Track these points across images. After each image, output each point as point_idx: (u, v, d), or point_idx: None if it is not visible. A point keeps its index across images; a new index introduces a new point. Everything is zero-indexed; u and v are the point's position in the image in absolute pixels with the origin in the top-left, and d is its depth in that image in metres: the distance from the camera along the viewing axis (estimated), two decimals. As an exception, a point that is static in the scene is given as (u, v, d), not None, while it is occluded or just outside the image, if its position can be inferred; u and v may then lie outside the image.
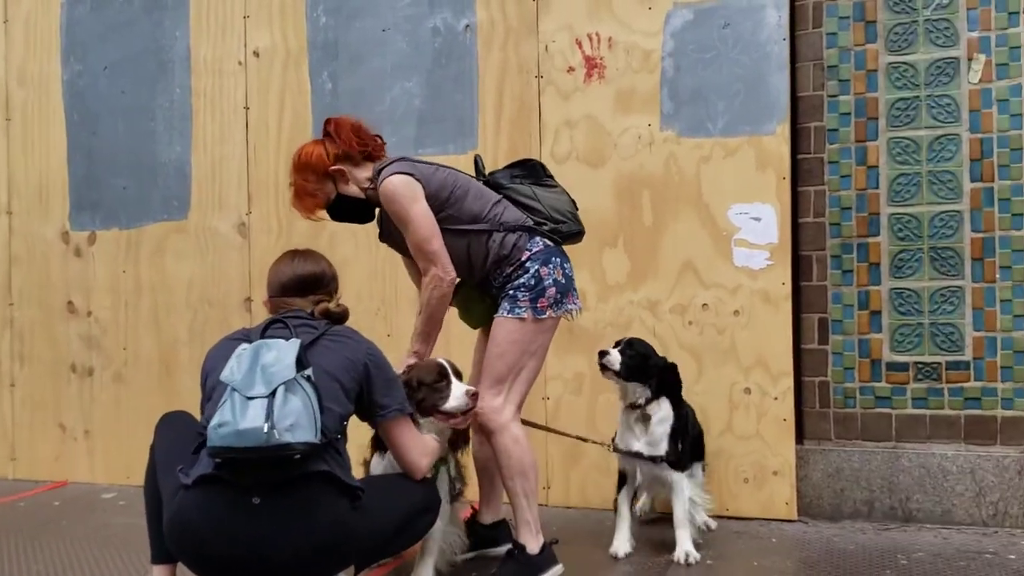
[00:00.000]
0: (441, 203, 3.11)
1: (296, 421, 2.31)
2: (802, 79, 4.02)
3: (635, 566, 3.43)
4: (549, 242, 3.21)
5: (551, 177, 3.37)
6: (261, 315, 4.56)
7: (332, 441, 2.46)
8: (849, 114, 3.96)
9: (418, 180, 3.07)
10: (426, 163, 3.20)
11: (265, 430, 2.26)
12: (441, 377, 2.96)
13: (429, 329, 3.15)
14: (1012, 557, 3.45)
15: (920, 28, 3.87)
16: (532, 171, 3.35)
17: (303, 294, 2.76)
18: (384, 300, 4.50)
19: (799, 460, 3.99)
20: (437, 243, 3.06)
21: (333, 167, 3.13)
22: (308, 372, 2.42)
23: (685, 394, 4.06)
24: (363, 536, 2.48)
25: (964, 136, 3.82)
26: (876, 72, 3.92)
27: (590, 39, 4.19)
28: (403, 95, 4.47)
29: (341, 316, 2.74)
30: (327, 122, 3.21)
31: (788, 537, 3.79)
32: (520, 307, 3.13)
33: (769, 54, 3.96)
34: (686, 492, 3.44)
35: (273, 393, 2.32)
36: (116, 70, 4.97)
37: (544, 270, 3.14)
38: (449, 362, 3.03)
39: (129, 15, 4.95)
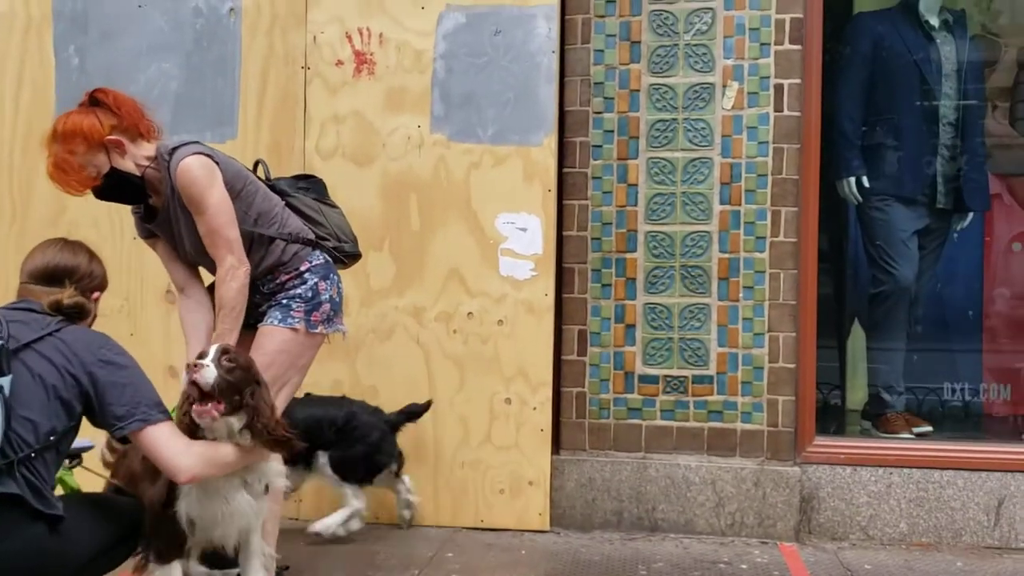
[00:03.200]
0: (235, 194, 2.92)
1: None
2: (570, 93, 4.06)
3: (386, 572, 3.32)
4: (329, 258, 3.11)
5: (331, 199, 3.28)
6: (-16, 308, 4.12)
7: (27, 458, 2.19)
8: (612, 132, 4.03)
9: (216, 163, 2.88)
10: (218, 151, 3.00)
11: None
12: None
13: (230, 326, 2.90)
14: (744, 567, 3.59)
15: (680, 52, 3.99)
16: (316, 187, 3.25)
17: (47, 284, 2.48)
18: (128, 296, 4.16)
19: (554, 470, 4.02)
20: (235, 231, 2.88)
21: (110, 137, 2.84)
22: (1, 382, 2.14)
23: (447, 404, 4.02)
24: (57, 565, 2.22)
25: (716, 160, 3.97)
26: (639, 92, 4.01)
27: (360, 34, 4.05)
28: (159, 76, 4.16)
29: (72, 311, 2.43)
30: (101, 91, 2.90)
31: (538, 548, 3.79)
32: (293, 318, 2.99)
33: (539, 65, 3.97)
34: None
35: None
36: None
37: (323, 284, 3.04)
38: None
39: None
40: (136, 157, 2.92)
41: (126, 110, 2.90)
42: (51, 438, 2.27)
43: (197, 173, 2.85)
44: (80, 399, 2.33)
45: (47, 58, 4.24)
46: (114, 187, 2.94)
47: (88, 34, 4.21)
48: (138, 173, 2.92)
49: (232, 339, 2.90)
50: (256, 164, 3.22)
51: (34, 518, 2.19)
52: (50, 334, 2.34)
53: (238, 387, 2.57)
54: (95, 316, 2.61)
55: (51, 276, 2.51)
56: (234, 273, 2.88)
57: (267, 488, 2.76)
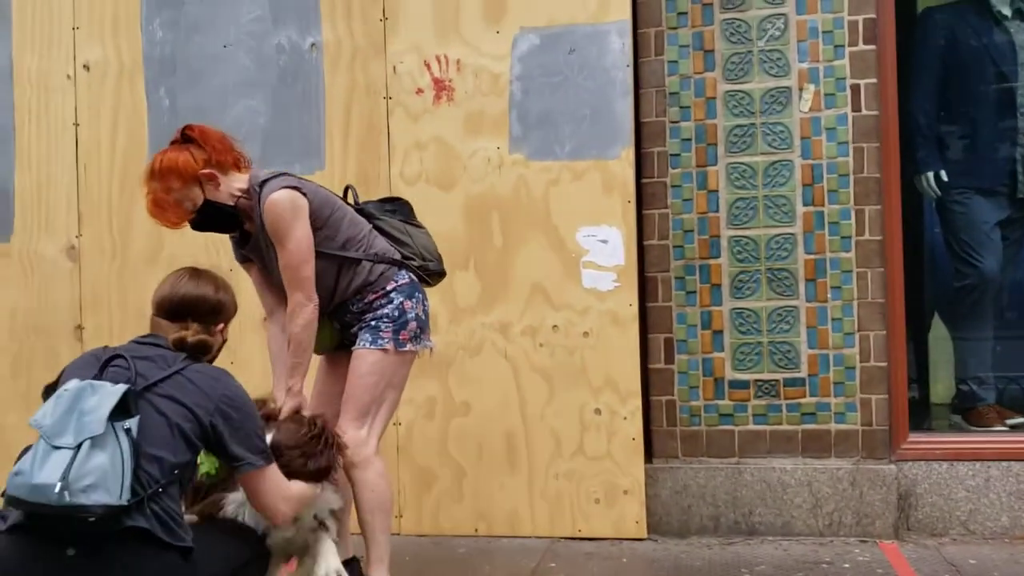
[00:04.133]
0: (323, 221, 3.03)
1: (96, 481, 2.15)
2: (645, 105, 4.12)
3: (487, 593, 3.40)
4: (415, 277, 3.19)
5: (417, 219, 3.36)
6: (91, 345, 4.30)
7: (153, 495, 2.29)
8: (690, 140, 4.08)
9: (304, 194, 2.98)
10: (306, 181, 3.11)
11: (58, 489, 2.11)
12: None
13: (300, 359, 3.02)
14: (846, 566, 3.60)
15: (755, 58, 4.03)
16: (402, 209, 3.34)
17: (173, 319, 2.58)
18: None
19: (648, 478, 4.06)
20: (310, 269, 2.98)
21: (204, 171, 2.97)
22: (129, 424, 2.25)
23: (538, 417, 4.09)
24: None
25: (796, 162, 4.00)
26: (715, 99, 4.06)
27: (439, 61, 4.17)
28: (246, 113, 4.32)
29: (196, 348, 2.53)
30: (189, 128, 3.04)
31: (638, 556, 3.84)
32: (383, 338, 3.07)
33: (614, 80, 4.04)
34: None
35: (80, 446, 2.16)
36: (-71, 82, 4.61)
37: (408, 303, 3.12)
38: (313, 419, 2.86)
39: (-56, 23, 4.61)
40: (230, 188, 3.04)
41: (212, 144, 3.02)
42: (175, 472, 2.37)
43: (283, 208, 2.94)
44: (201, 438, 2.43)
45: (139, 101, 4.43)
46: (209, 218, 3.07)
47: (177, 76, 4.40)
48: (232, 203, 3.05)
49: (302, 371, 3.02)
50: (346, 190, 3.34)
51: (164, 549, 2.29)
52: (177, 372, 2.43)
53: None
54: (224, 341, 2.72)
55: (176, 310, 2.60)
56: (301, 310, 2.98)
57: (319, 521, 2.84)
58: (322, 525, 2.85)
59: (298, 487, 2.66)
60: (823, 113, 3.97)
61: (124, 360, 2.44)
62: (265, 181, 3.02)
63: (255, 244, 3.12)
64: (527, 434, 4.10)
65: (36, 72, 4.51)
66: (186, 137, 3.03)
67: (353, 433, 3.04)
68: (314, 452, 2.76)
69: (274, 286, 3.18)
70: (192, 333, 2.54)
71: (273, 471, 2.57)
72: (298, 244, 2.96)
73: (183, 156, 2.98)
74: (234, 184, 3.05)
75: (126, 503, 2.19)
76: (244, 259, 3.25)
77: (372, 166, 4.21)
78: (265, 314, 3.32)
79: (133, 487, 2.22)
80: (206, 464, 2.71)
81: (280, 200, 2.95)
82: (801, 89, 3.98)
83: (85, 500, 2.13)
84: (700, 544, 3.96)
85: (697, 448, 4.08)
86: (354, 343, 3.14)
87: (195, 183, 2.99)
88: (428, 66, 4.18)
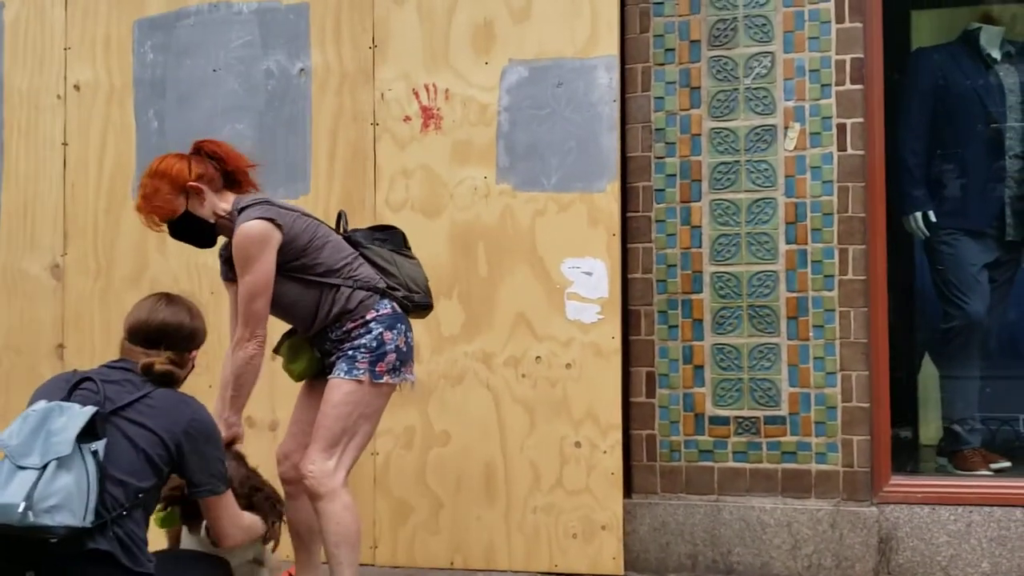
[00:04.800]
0: (298, 251, 3.03)
1: (60, 502, 2.15)
2: (631, 140, 4.12)
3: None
4: (398, 308, 3.17)
5: (410, 249, 3.36)
6: (72, 364, 4.29)
7: (117, 518, 2.29)
8: (675, 175, 4.07)
9: (278, 226, 2.99)
10: (289, 208, 3.13)
11: (20, 509, 2.10)
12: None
13: (238, 393, 3.06)
14: (823, 608, 3.56)
15: (741, 96, 4.03)
16: (394, 238, 3.33)
17: (148, 345, 2.58)
18: (206, 348, 4.20)
19: (627, 514, 4.01)
20: (261, 304, 2.99)
21: (192, 183, 3.02)
22: (96, 446, 2.26)
23: (517, 449, 4.06)
24: None
25: (780, 200, 3.99)
26: (700, 136, 4.06)
27: (427, 89, 4.18)
28: (234, 136, 4.28)
29: (162, 377, 2.52)
30: (204, 142, 3.13)
31: (613, 593, 3.80)
32: (358, 369, 3.05)
33: (600, 114, 4.04)
34: None
35: (46, 466, 2.16)
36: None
37: (388, 334, 3.09)
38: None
39: (-64, 40, 4.64)
40: (215, 206, 3.08)
41: (224, 152, 3.12)
42: (139, 496, 2.37)
43: (251, 240, 2.97)
44: (166, 463, 2.44)
45: (128, 123, 4.45)
46: (187, 229, 3.11)
47: (166, 99, 4.42)
48: (211, 220, 3.09)
49: (239, 405, 3.06)
50: (339, 216, 3.35)
51: (126, 574, 2.28)
52: (145, 396, 2.44)
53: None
54: (192, 368, 2.72)
55: (152, 336, 2.60)
56: (244, 346, 3.01)
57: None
58: (257, 562, 2.91)
59: (249, 518, 2.70)
60: (808, 152, 3.96)
61: (93, 383, 2.44)
62: (245, 208, 3.03)
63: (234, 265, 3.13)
64: (506, 466, 4.07)
65: (26, 91, 4.54)
66: (196, 149, 3.11)
67: (321, 464, 3.02)
68: (256, 505, 2.83)
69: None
70: (161, 361, 2.54)
71: (231, 496, 2.59)
72: (256, 276, 2.97)
73: (179, 164, 3.05)
74: (220, 204, 3.09)
75: (89, 525, 2.19)
76: (227, 278, 3.26)
77: (358, 192, 4.21)
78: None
79: (97, 509, 2.22)
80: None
81: (250, 230, 2.96)
82: (786, 127, 3.98)
83: (49, 521, 2.13)
84: (677, 582, 3.92)
85: (676, 484, 4.04)
86: (329, 373, 3.13)
87: (181, 193, 3.04)
88: (416, 94, 4.19)
